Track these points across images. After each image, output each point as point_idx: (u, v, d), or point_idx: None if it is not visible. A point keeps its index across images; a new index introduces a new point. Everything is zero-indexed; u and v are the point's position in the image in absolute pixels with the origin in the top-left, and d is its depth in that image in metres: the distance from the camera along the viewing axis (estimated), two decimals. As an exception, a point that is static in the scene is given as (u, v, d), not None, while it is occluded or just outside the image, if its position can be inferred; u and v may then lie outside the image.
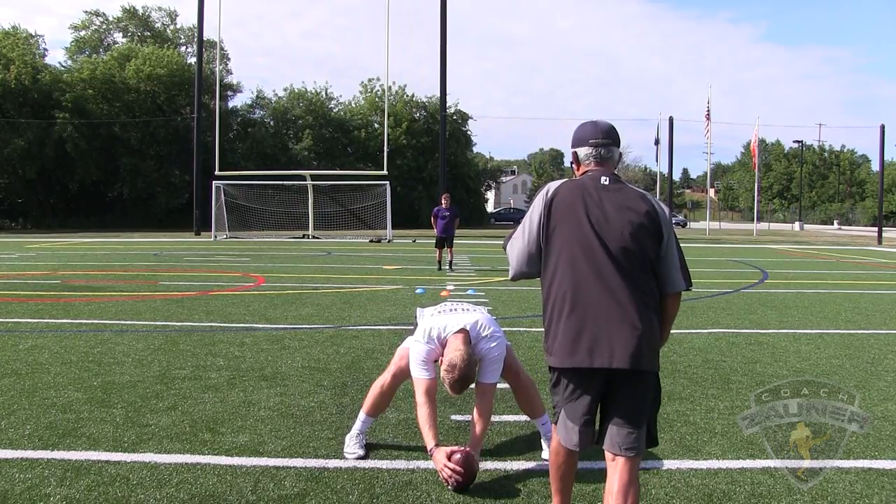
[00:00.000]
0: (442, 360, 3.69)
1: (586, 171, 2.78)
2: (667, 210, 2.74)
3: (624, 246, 2.58)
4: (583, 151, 2.79)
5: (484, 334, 3.76)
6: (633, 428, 2.61)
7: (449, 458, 3.45)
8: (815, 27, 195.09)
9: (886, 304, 10.50)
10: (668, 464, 3.81)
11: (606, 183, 2.69)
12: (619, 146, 2.82)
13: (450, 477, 3.42)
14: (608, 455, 2.66)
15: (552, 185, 2.77)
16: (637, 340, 2.52)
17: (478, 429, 3.73)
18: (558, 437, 2.77)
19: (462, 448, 3.56)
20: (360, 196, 34.66)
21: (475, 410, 3.77)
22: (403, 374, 3.96)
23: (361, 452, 3.88)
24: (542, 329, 2.76)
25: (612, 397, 2.64)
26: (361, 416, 4.04)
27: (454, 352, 3.61)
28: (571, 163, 2.89)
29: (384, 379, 4.00)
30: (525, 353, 6.45)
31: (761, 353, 6.69)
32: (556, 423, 2.78)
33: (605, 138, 2.77)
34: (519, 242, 2.77)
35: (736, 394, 5.25)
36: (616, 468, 2.62)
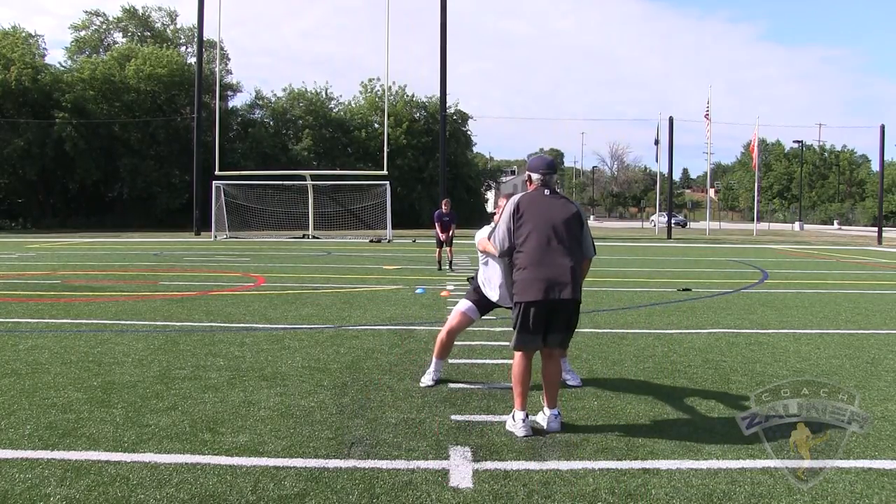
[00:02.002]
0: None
1: (535, 188, 4.54)
2: (582, 209, 4.59)
3: (564, 229, 4.36)
4: (535, 176, 4.58)
5: None
6: (565, 336, 4.42)
7: None
8: (815, 27, 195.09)
9: (886, 304, 10.50)
10: (668, 464, 3.81)
11: (548, 194, 4.51)
12: (556, 173, 4.62)
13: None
14: (545, 352, 4.41)
15: (516, 196, 4.54)
16: (576, 282, 4.30)
17: None
18: (519, 354, 4.38)
19: None
20: (360, 196, 34.66)
21: None
22: (460, 328, 5.31)
23: (431, 382, 5.29)
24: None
25: (554, 319, 4.32)
26: (434, 360, 5.39)
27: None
28: (526, 180, 4.65)
29: (442, 335, 5.34)
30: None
31: (761, 353, 6.69)
32: (519, 346, 4.37)
33: (547, 170, 4.56)
34: (501, 231, 4.50)
35: (736, 394, 5.25)
36: (550, 358, 4.43)
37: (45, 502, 3.24)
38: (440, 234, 15.45)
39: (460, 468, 3.71)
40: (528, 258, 4.29)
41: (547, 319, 4.28)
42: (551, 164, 4.62)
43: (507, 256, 4.52)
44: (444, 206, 15.91)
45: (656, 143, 41.93)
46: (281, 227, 33.53)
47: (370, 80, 51.35)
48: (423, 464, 3.76)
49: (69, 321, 8.10)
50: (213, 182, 30.84)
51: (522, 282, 4.29)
